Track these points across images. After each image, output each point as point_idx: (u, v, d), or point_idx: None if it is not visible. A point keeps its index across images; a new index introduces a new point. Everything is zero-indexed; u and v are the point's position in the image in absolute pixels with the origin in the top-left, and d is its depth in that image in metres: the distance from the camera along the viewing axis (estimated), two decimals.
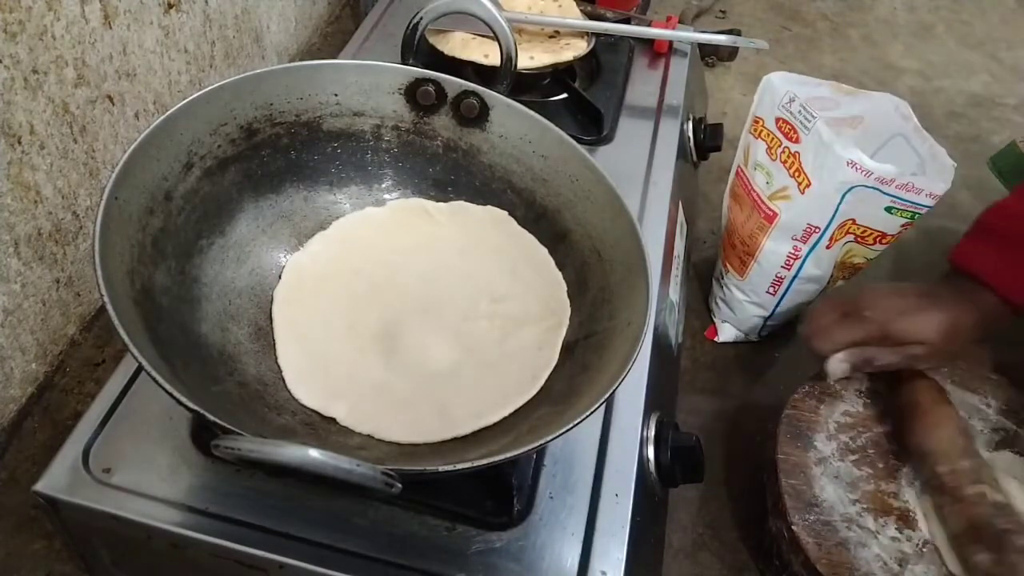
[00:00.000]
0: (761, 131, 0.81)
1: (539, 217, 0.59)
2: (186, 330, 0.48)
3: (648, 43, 0.95)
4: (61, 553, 0.62)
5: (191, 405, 0.38)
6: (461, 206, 0.61)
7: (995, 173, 0.96)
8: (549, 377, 0.52)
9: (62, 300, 0.70)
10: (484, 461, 0.40)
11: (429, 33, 0.79)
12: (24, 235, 0.63)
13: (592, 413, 0.42)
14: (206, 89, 0.51)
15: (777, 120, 0.78)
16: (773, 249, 0.82)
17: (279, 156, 0.57)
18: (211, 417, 0.38)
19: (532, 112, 0.58)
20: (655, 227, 0.71)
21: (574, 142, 0.57)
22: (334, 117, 0.58)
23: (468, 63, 0.78)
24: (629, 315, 0.49)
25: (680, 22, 0.96)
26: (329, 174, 0.60)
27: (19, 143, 0.60)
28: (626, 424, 0.56)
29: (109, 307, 0.39)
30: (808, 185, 0.75)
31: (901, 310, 0.66)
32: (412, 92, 0.59)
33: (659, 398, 0.62)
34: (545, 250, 0.58)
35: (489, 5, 0.65)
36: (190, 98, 0.50)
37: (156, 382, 0.38)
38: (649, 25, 0.94)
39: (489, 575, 0.47)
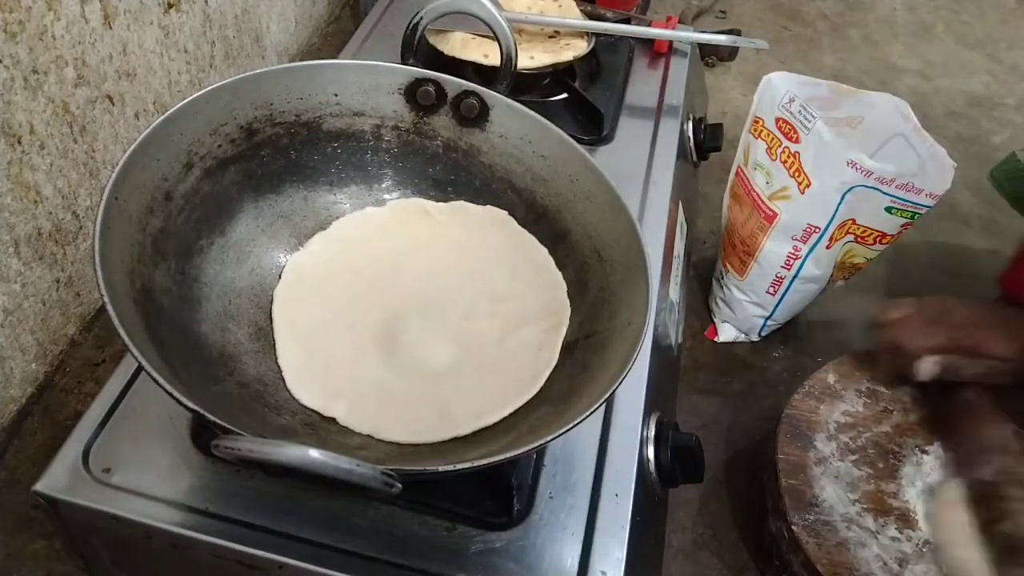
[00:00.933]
0: (761, 131, 0.81)
1: (539, 217, 0.59)
2: (186, 330, 0.48)
3: (648, 43, 0.95)
4: (61, 553, 0.62)
5: (191, 405, 0.38)
6: (461, 206, 0.61)
7: (995, 185, 0.96)
8: (549, 377, 0.52)
9: (62, 300, 0.70)
10: (484, 461, 0.40)
11: (429, 33, 0.79)
12: (24, 235, 0.63)
13: (592, 413, 0.42)
14: (206, 89, 0.51)
15: (777, 120, 0.78)
16: (773, 249, 0.82)
17: (279, 156, 0.57)
18: (211, 417, 0.38)
19: (532, 112, 0.58)
20: (655, 227, 0.71)
21: (574, 142, 0.57)
22: (334, 117, 0.58)
23: (468, 63, 0.78)
24: (629, 315, 0.49)
25: (680, 22, 0.96)
26: (329, 174, 0.60)
27: (19, 143, 0.60)
28: (626, 424, 0.56)
29: (109, 307, 0.39)
30: (808, 185, 0.75)
31: (987, 325, 0.70)
32: (412, 92, 0.59)
33: (659, 398, 0.62)
34: (545, 250, 0.58)
35: (489, 5, 0.65)
36: (190, 98, 0.50)
37: (156, 382, 0.38)
38: (649, 25, 0.94)
39: (489, 575, 0.47)
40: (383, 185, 0.61)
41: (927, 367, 0.70)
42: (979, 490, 0.64)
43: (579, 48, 0.83)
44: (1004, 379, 0.70)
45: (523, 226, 0.59)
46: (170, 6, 0.75)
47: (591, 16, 0.91)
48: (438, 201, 0.61)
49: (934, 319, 0.72)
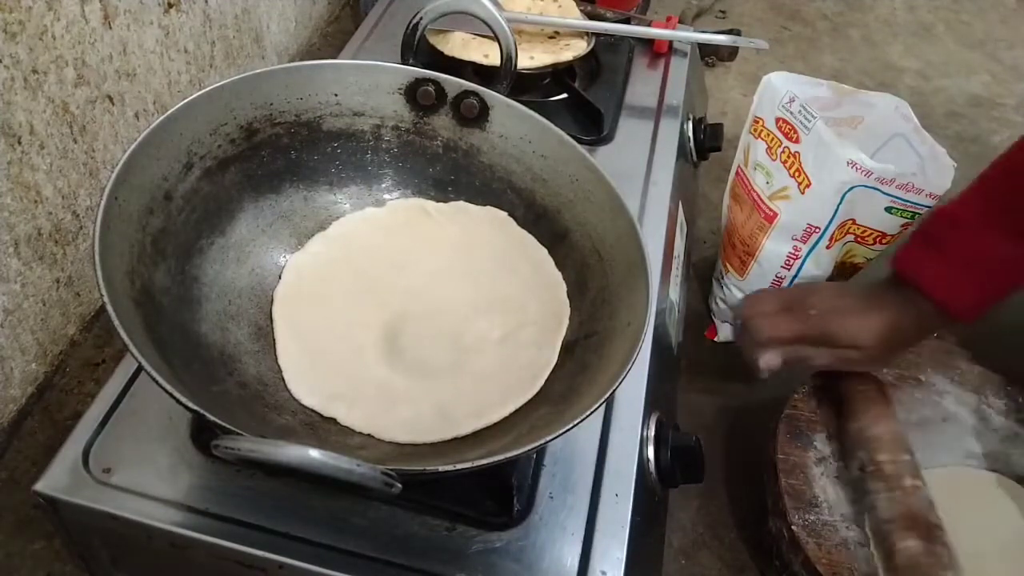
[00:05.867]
0: (761, 131, 0.81)
1: (539, 217, 0.59)
2: (186, 330, 0.48)
3: (648, 43, 0.95)
4: (61, 553, 0.62)
5: (191, 405, 0.38)
6: (461, 206, 0.61)
7: None
8: (549, 377, 0.52)
9: (62, 300, 0.70)
10: (484, 461, 0.40)
11: (429, 33, 0.79)
12: (24, 235, 0.63)
13: (592, 413, 0.42)
14: (206, 89, 0.51)
15: (777, 120, 0.78)
16: (773, 249, 0.82)
17: (279, 156, 0.57)
18: (211, 417, 0.38)
19: (532, 112, 0.58)
20: (655, 227, 0.71)
21: (574, 142, 0.57)
22: (334, 117, 0.58)
23: (468, 63, 0.78)
24: (629, 315, 0.49)
25: (680, 22, 0.96)
26: (329, 174, 0.60)
27: (19, 143, 0.60)
28: (626, 424, 0.56)
29: (109, 307, 0.39)
30: (808, 185, 0.75)
31: (843, 310, 0.67)
32: (412, 92, 0.59)
33: (659, 398, 0.62)
34: (545, 250, 0.58)
35: (489, 5, 0.65)
36: (190, 98, 0.50)
37: (156, 382, 0.38)
38: (649, 25, 0.94)
39: (489, 575, 0.47)
40: (383, 185, 0.61)
41: (771, 360, 0.68)
42: (874, 481, 0.64)
43: (579, 48, 0.83)
44: (860, 368, 0.69)
45: (523, 226, 0.59)
46: (170, 6, 0.75)
47: (591, 16, 0.91)
48: (438, 201, 0.61)
49: (789, 307, 0.69)
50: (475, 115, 0.59)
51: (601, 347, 0.50)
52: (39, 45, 0.59)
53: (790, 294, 0.72)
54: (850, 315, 0.66)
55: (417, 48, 0.71)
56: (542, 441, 0.41)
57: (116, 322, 0.39)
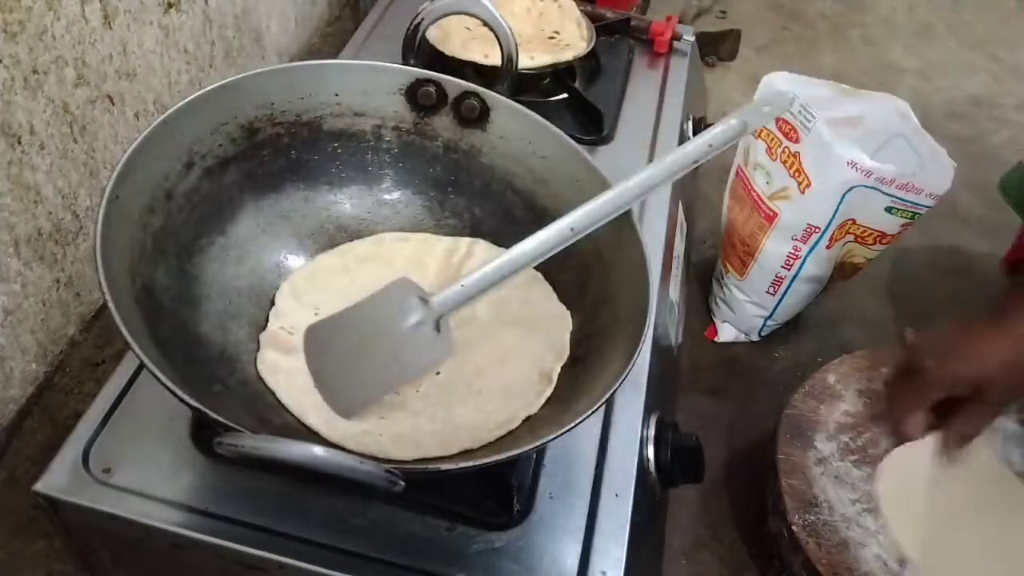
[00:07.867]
0: (761, 131, 0.81)
1: (539, 218, 0.59)
2: (187, 329, 0.48)
3: (648, 43, 0.95)
4: (61, 553, 0.62)
5: (193, 403, 0.38)
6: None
7: (1002, 194, 0.95)
8: None
9: (62, 300, 0.70)
10: (484, 461, 0.40)
11: (429, 32, 0.79)
12: (24, 235, 0.63)
13: (592, 413, 0.42)
14: (206, 88, 0.51)
15: (777, 120, 0.78)
16: (773, 249, 0.82)
17: (280, 156, 0.57)
18: (213, 415, 0.38)
19: (532, 113, 0.58)
20: (655, 227, 0.71)
21: (574, 143, 0.57)
22: (335, 117, 0.58)
23: (468, 63, 0.78)
24: (629, 315, 0.49)
25: (680, 22, 0.96)
26: (329, 174, 0.60)
27: (19, 143, 0.60)
28: (626, 424, 0.56)
29: (111, 306, 0.39)
30: (808, 185, 0.75)
31: (955, 346, 0.54)
32: (413, 92, 0.59)
33: (659, 398, 0.62)
34: (548, 286, 0.57)
35: (489, 6, 0.65)
36: (190, 97, 0.50)
37: (159, 380, 0.38)
38: (649, 25, 0.94)
39: (489, 575, 0.47)
40: (383, 185, 0.61)
41: (911, 432, 0.55)
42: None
43: (579, 48, 0.83)
44: (997, 407, 0.55)
45: (523, 227, 0.59)
46: (170, 6, 0.75)
47: (591, 16, 0.91)
48: (439, 201, 0.61)
49: (911, 364, 0.56)
50: (476, 116, 0.59)
51: (601, 347, 0.50)
52: (39, 45, 0.59)
53: (906, 352, 0.57)
54: (964, 349, 0.53)
55: (418, 48, 0.71)
56: (542, 441, 0.41)
57: (118, 320, 0.39)
